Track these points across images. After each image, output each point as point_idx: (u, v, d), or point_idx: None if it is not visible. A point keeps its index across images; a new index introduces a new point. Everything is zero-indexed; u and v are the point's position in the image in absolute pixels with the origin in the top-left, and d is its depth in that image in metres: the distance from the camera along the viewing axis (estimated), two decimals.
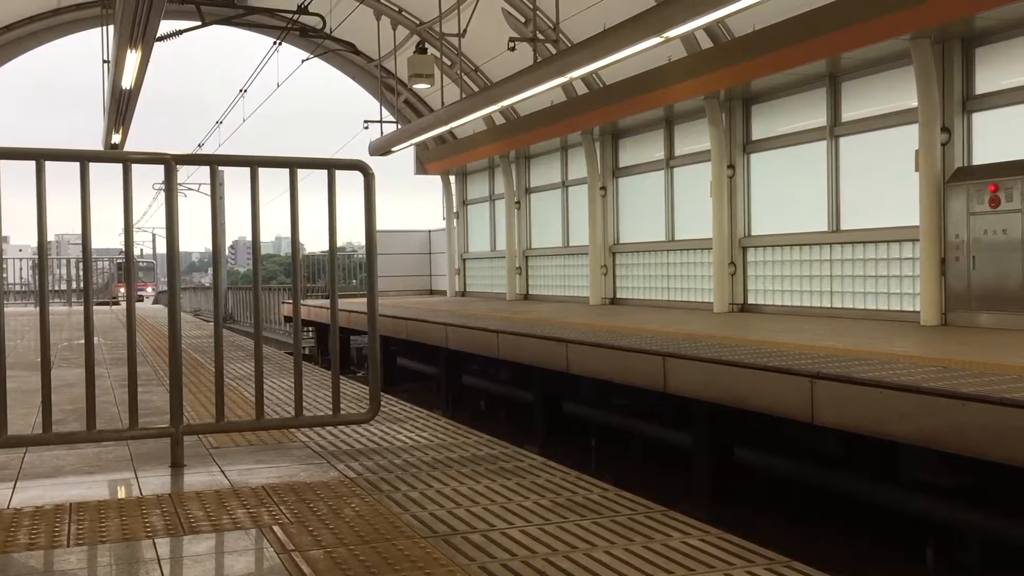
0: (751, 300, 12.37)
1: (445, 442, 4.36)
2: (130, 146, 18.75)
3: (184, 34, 15.50)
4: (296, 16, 15.94)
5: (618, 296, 15.51)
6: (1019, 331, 8.41)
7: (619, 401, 9.02)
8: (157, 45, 10.93)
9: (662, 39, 8.94)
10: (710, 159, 12.66)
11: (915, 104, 9.56)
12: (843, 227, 10.97)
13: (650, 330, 9.39)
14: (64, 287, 24.09)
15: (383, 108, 19.65)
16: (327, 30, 17.64)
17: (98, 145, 18.04)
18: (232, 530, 2.95)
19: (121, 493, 3.47)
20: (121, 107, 13.90)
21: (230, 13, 18.10)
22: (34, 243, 3.76)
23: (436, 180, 21.79)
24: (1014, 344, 7.29)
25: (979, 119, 9.33)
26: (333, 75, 21.93)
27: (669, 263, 14.24)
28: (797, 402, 5.91)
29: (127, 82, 11.85)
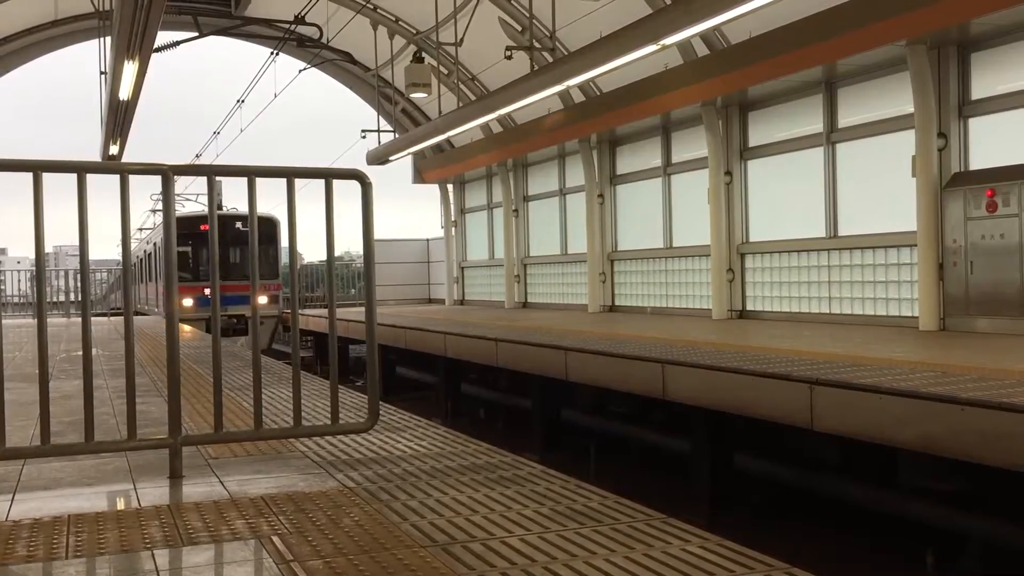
0: (750, 307, 12.37)
1: (444, 451, 4.35)
2: (128, 157, 18.75)
3: (181, 45, 15.53)
4: (293, 26, 15.98)
5: (617, 304, 15.51)
6: (1017, 336, 8.41)
7: (618, 408, 9.01)
8: (155, 56, 10.95)
9: (658, 47, 8.97)
10: (707, 166, 12.67)
11: (911, 110, 9.57)
12: (841, 233, 10.98)
13: (648, 337, 9.38)
14: (62, 298, 24.07)
15: (380, 117, 19.67)
16: (324, 40, 17.68)
17: (96, 156, 18.06)
18: (231, 541, 2.94)
19: (120, 504, 3.47)
20: (119, 118, 13.91)
21: (227, 24, 18.14)
22: (32, 255, 3.77)
23: (434, 189, 21.81)
24: (1012, 349, 7.29)
25: (975, 124, 9.35)
26: (330, 85, 21.98)
27: (667, 270, 14.24)
28: (796, 408, 5.90)
29: (125, 93, 11.86)
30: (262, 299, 19.72)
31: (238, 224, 20.04)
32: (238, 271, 19.56)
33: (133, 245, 31.44)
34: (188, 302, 18.60)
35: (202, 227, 19.01)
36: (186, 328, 14.42)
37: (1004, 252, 8.73)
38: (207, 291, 16.05)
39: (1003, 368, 5.95)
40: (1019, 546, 5.30)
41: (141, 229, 41.96)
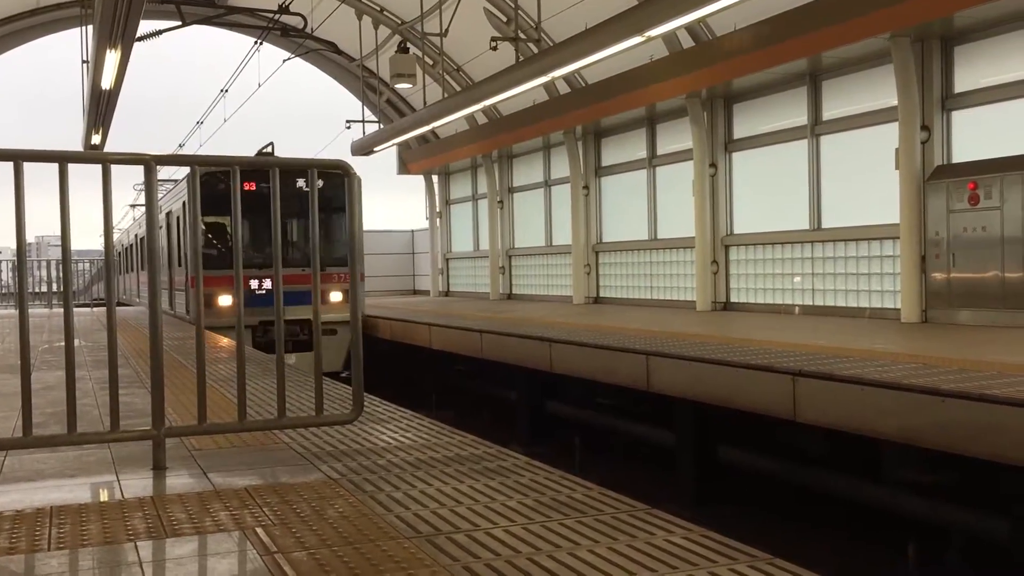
0: (734, 298, 12.41)
1: (429, 442, 4.35)
2: (110, 147, 18.59)
3: (164, 34, 15.41)
4: (277, 16, 15.88)
5: (601, 295, 15.53)
6: (998, 327, 8.48)
7: (603, 400, 9.03)
8: (137, 45, 10.87)
9: (644, 38, 8.96)
10: (692, 158, 12.69)
11: (895, 103, 9.61)
12: (824, 225, 11.03)
13: (633, 329, 9.40)
14: (45, 289, 23.88)
15: (365, 108, 19.60)
16: (308, 30, 17.58)
17: (79, 146, 17.90)
18: (215, 532, 2.93)
19: (103, 496, 3.45)
20: (101, 107, 13.80)
21: (210, 13, 18.01)
22: (14, 245, 3.72)
23: (419, 180, 21.76)
24: (993, 340, 7.35)
25: (958, 117, 9.40)
26: (315, 75, 21.85)
27: (652, 262, 14.27)
28: (779, 400, 5.93)
29: (107, 82, 11.77)
30: (337, 296, 14.13)
31: (300, 183, 11.76)
32: (298, 254, 13.24)
33: (128, 225, 29.55)
34: (225, 300, 12.44)
35: (245, 186, 11.43)
36: (223, 340, 10.32)
37: (986, 245, 8.79)
38: (254, 283, 12.77)
39: (983, 360, 6.00)
40: (1000, 538, 5.35)
41: (134, 206, 35.01)
